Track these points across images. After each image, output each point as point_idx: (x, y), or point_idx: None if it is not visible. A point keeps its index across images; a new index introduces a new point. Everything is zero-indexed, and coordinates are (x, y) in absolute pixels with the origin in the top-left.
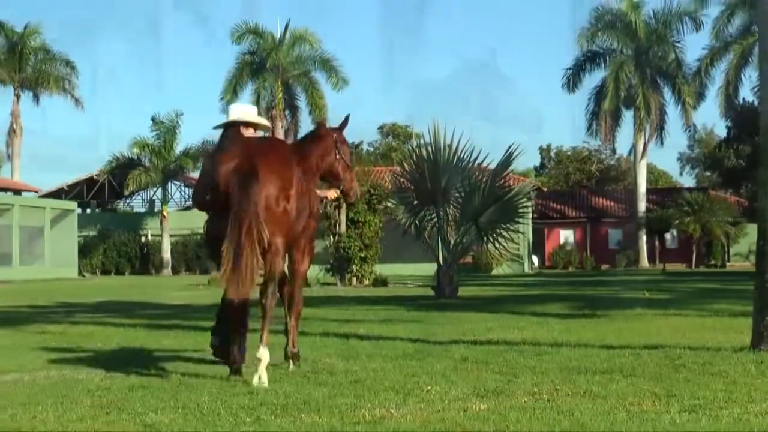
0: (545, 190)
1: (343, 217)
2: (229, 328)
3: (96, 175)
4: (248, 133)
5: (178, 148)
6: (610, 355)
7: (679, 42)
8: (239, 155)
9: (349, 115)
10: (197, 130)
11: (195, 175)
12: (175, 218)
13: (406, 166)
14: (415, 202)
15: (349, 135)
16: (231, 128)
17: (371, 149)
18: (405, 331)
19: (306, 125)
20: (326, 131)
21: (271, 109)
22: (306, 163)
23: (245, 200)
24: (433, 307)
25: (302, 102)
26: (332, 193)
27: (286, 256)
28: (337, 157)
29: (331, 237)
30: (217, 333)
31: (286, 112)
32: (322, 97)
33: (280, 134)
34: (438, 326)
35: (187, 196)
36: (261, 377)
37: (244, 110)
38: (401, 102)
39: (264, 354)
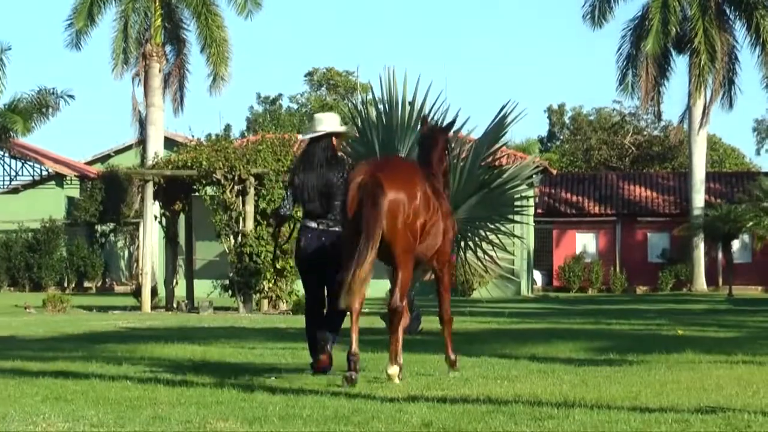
0: (555, 172)
1: (250, 208)
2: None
3: None
4: (336, 142)
5: (2, 99)
6: (646, 421)
7: None
8: (366, 172)
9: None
10: (32, 74)
11: (26, 141)
12: None
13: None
14: None
15: (265, 84)
16: (323, 140)
17: (295, 106)
18: (339, 381)
19: (198, 67)
20: (439, 134)
21: (144, 43)
22: (433, 175)
23: (372, 218)
24: (383, 346)
25: (191, 33)
26: None
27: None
28: (446, 161)
29: (231, 238)
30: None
31: (167, 48)
32: (221, 27)
33: (155, 78)
34: None
35: (14, 172)
36: (394, 382)
37: (332, 120)
38: (341, 39)
39: (393, 369)
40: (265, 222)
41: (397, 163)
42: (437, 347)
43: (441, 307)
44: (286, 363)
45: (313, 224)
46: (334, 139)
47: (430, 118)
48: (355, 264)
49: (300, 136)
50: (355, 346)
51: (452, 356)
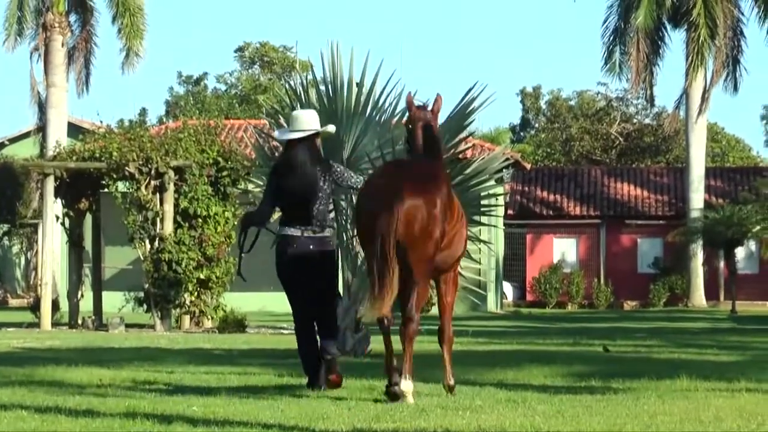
0: (529, 166)
1: (168, 208)
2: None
3: None
4: (318, 142)
5: None
6: None
7: None
8: (385, 177)
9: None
10: None
11: None
12: None
13: (282, 120)
14: None
15: (187, 62)
16: (307, 140)
17: (222, 87)
18: (271, 410)
19: (108, 40)
20: (433, 118)
21: (45, 11)
22: (448, 178)
23: (388, 226)
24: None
25: (101, 0)
26: None
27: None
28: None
29: (146, 243)
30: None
31: (72, 18)
32: None
33: (58, 53)
34: (330, 402)
35: None
36: (408, 401)
37: (314, 118)
38: (277, 10)
39: (407, 385)
40: (186, 224)
41: (418, 167)
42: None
43: (443, 330)
44: (209, 387)
45: (297, 232)
46: (316, 138)
47: (366, 98)
48: (379, 279)
49: (276, 134)
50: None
51: (451, 381)
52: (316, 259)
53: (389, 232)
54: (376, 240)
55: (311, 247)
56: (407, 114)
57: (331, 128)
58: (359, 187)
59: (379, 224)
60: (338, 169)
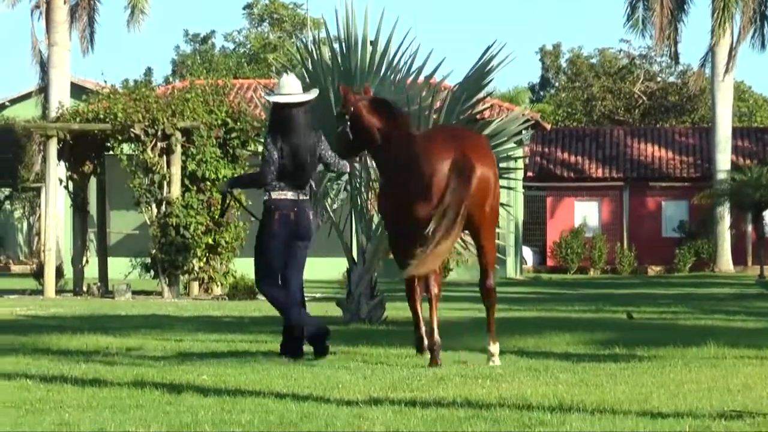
0: (549, 127)
1: (176, 170)
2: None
3: None
4: (300, 109)
5: None
6: (658, 428)
7: None
8: (452, 147)
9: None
10: None
11: None
12: None
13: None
14: None
15: (194, 20)
16: (303, 104)
17: (230, 46)
18: (284, 379)
19: None
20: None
21: None
22: None
23: (460, 194)
24: (339, 338)
25: None
26: None
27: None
28: None
29: (153, 207)
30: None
31: None
32: None
33: (60, 11)
34: (345, 371)
35: None
36: (495, 362)
37: (297, 85)
38: None
39: (494, 348)
40: (194, 187)
41: (477, 137)
42: (404, 339)
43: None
44: (220, 353)
45: (296, 196)
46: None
47: (380, 57)
48: (439, 235)
49: (267, 97)
50: (436, 335)
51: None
52: (309, 224)
53: (462, 199)
54: (447, 203)
55: (307, 210)
56: (343, 103)
57: (314, 92)
58: (332, 162)
59: (453, 190)
60: (323, 139)
